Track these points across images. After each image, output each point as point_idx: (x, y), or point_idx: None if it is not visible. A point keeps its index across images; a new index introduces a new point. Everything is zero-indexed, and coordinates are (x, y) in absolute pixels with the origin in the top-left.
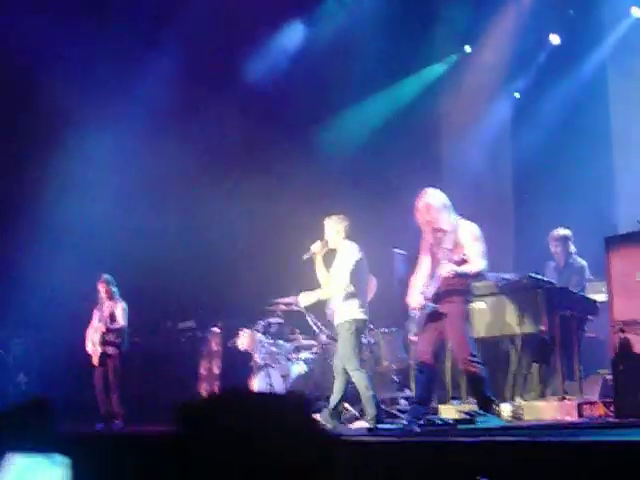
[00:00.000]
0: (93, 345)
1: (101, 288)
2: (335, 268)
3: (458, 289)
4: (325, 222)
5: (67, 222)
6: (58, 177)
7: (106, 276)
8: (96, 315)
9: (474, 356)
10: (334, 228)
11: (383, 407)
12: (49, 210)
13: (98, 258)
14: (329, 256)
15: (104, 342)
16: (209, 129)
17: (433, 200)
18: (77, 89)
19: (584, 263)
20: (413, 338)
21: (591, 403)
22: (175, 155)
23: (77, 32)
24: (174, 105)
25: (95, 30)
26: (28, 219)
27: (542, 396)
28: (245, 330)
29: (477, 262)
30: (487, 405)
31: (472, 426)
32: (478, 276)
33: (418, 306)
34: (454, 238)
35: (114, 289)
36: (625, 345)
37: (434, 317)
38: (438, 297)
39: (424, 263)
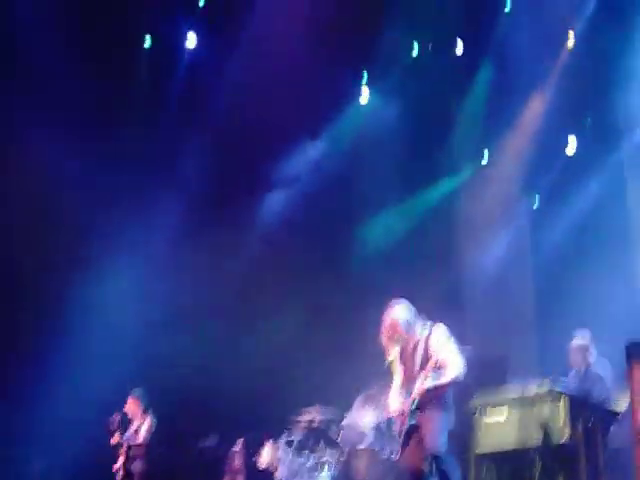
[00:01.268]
0: (119, 461)
1: (132, 401)
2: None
3: (436, 401)
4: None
5: (89, 344)
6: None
7: (138, 391)
8: (122, 430)
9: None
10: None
11: None
12: (71, 335)
13: (122, 375)
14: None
15: (129, 458)
16: (232, 254)
17: (400, 314)
18: (98, 219)
19: (607, 364)
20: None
21: None
22: (195, 283)
23: (95, 162)
24: (204, 233)
25: (113, 162)
26: (49, 345)
27: None
28: (268, 444)
29: (452, 368)
30: None
31: None
32: (455, 381)
33: (398, 413)
34: (425, 348)
35: (145, 403)
36: None
37: (414, 431)
38: (417, 411)
39: (397, 377)
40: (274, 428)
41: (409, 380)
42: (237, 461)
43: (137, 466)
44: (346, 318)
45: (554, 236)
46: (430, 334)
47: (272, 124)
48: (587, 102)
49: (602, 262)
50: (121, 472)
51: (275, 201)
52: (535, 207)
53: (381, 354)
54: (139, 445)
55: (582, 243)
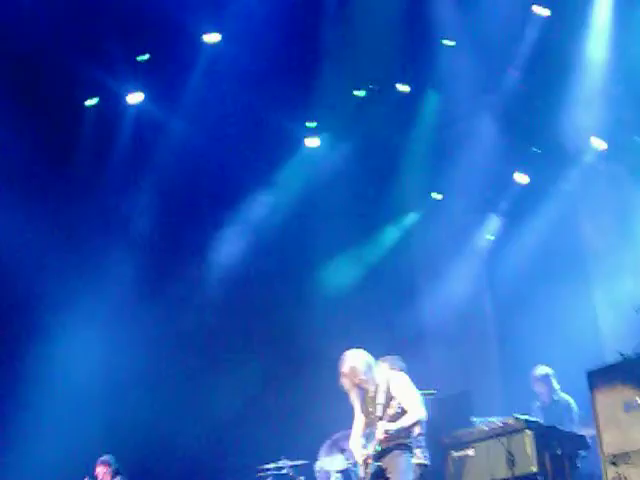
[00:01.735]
0: None
1: (101, 470)
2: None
3: (399, 443)
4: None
5: (51, 411)
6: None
7: (107, 457)
8: None
9: None
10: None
11: None
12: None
13: (88, 439)
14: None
15: None
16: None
17: (356, 362)
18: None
19: (569, 399)
20: None
21: None
22: (154, 341)
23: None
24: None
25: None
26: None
27: None
28: None
29: (414, 411)
30: None
31: None
32: (417, 424)
33: (362, 458)
34: (386, 392)
35: (114, 467)
36: (617, 477)
37: (379, 474)
38: (381, 454)
39: (358, 422)
40: None
41: (371, 424)
42: None
43: None
44: (307, 364)
45: (510, 267)
46: (390, 379)
47: (221, 175)
48: (532, 131)
49: (559, 291)
50: None
51: (228, 252)
52: (490, 239)
53: (344, 399)
54: None
55: (538, 272)
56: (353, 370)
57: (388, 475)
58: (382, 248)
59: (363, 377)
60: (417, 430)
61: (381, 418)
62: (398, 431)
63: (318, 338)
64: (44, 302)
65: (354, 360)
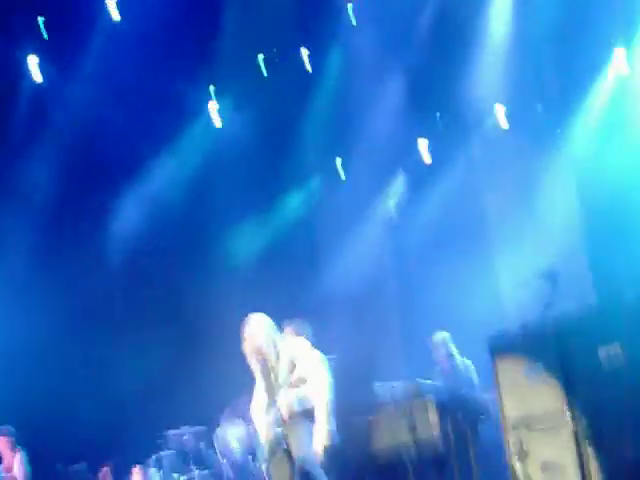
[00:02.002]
0: None
1: (2, 440)
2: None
3: (302, 411)
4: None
5: None
6: None
7: (8, 428)
8: None
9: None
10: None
11: None
12: None
13: None
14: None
15: None
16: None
17: (259, 327)
18: None
19: (469, 363)
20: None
21: None
22: (53, 305)
23: None
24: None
25: None
26: None
27: None
28: (137, 467)
29: (318, 379)
30: None
31: None
32: (321, 391)
33: (264, 425)
34: (288, 359)
35: (13, 438)
36: (519, 443)
37: (281, 441)
38: (282, 423)
39: (259, 389)
40: (142, 451)
41: (272, 392)
42: None
43: None
44: (208, 333)
45: (412, 237)
46: (293, 346)
47: (122, 144)
48: (435, 100)
49: (461, 260)
50: None
51: (129, 221)
52: (394, 206)
53: (245, 366)
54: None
55: (441, 240)
56: (255, 335)
57: (290, 443)
58: (285, 216)
59: (265, 343)
60: (322, 397)
61: (283, 385)
62: (300, 399)
63: (221, 309)
64: None
65: (256, 325)
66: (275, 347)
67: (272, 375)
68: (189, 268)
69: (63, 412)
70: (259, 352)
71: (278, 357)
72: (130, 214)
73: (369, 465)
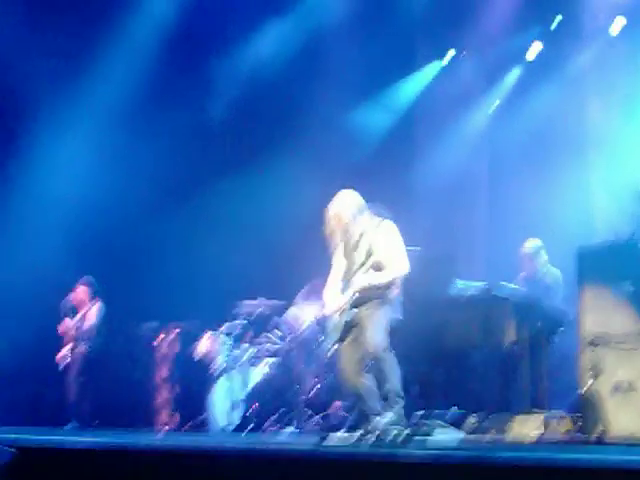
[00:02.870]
0: (65, 343)
1: (82, 289)
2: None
3: (378, 294)
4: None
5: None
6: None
7: (89, 278)
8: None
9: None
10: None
11: None
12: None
13: (69, 249)
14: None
15: (76, 340)
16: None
17: (347, 205)
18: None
19: (557, 273)
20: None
21: (558, 418)
22: (147, 152)
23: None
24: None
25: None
26: None
27: (508, 410)
28: (208, 333)
29: (397, 264)
30: (390, 400)
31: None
32: (398, 278)
33: (335, 310)
34: (370, 241)
35: (94, 289)
36: (595, 359)
37: (354, 324)
38: (357, 303)
39: (337, 270)
40: (214, 318)
41: (349, 274)
42: (176, 346)
43: (81, 352)
44: (293, 208)
45: (509, 141)
46: (377, 228)
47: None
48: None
49: (557, 172)
50: (68, 359)
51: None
52: (491, 112)
53: (326, 246)
54: (85, 331)
55: (537, 149)
56: (340, 213)
57: (362, 327)
58: (391, 103)
59: (349, 222)
60: (396, 284)
61: (361, 268)
62: (377, 283)
63: (308, 186)
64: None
65: (344, 202)
66: (360, 227)
67: (351, 257)
68: (284, 143)
69: (143, 270)
70: (342, 231)
71: (360, 239)
72: (232, 81)
73: (439, 361)
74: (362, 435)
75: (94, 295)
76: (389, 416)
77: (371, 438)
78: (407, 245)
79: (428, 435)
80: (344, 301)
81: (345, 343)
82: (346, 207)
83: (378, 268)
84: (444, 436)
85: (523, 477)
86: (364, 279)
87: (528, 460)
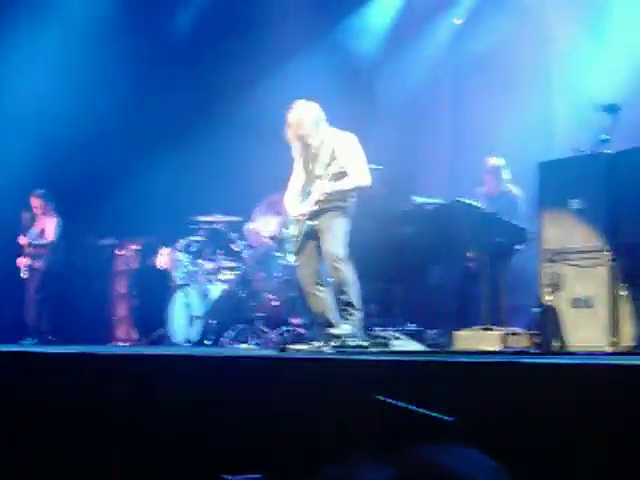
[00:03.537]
0: (22, 257)
1: (36, 203)
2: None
3: (337, 205)
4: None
5: None
6: None
7: (42, 191)
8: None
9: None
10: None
11: None
12: None
13: (28, 163)
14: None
15: (33, 255)
16: None
17: (307, 113)
18: None
19: (518, 192)
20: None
21: (516, 334)
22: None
23: None
24: None
25: None
26: None
27: (466, 326)
28: (165, 248)
29: (358, 175)
30: (347, 312)
31: None
32: (358, 190)
33: (297, 215)
34: (331, 150)
35: (49, 203)
36: (554, 276)
37: (312, 235)
38: (315, 214)
39: (297, 179)
40: (173, 234)
41: (309, 183)
42: (133, 261)
43: (39, 268)
44: (253, 119)
45: (473, 60)
46: (339, 138)
47: None
48: None
49: (519, 87)
50: (26, 274)
51: None
52: (458, 21)
53: (286, 157)
54: (43, 247)
55: (500, 69)
56: (300, 121)
57: (321, 236)
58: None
59: (309, 130)
60: (356, 195)
61: (321, 177)
62: (337, 192)
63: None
64: None
65: (304, 111)
66: (320, 136)
67: (311, 166)
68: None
69: (102, 187)
70: (302, 139)
71: (321, 147)
72: None
73: (397, 277)
74: (319, 348)
75: (51, 210)
76: (346, 328)
77: (328, 350)
78: (368, 162)
79: (386, 346)
80: (305, 210)
81: (303, 255)
82: (306, 116)
83: (338, 179)
84: (403, 347)
85: (488, 376)
86: (326, 185)
87: (492, 362)
